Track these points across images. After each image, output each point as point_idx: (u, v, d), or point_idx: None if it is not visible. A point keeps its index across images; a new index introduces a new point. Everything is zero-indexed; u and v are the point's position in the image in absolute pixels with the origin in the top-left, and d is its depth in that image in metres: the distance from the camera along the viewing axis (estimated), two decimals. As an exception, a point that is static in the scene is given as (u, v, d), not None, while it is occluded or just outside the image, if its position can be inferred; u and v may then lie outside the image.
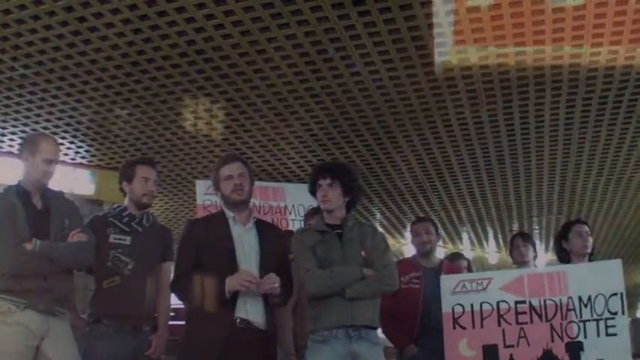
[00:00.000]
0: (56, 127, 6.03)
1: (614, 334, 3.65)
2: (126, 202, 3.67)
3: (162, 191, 7.86)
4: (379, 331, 3.35)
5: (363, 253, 3.24)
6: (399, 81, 5.13)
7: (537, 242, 9.76)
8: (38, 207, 3.27)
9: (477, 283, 3.91)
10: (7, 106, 5.63)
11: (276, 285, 3.08)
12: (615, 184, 7.94)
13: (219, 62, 4.81)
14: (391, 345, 4.38)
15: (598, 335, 3.67)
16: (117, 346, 3.36)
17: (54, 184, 3.41)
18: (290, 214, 5.52)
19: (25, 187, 3.28)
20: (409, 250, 8.68)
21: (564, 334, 3.72)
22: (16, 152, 6.08)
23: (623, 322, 3.68)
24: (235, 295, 3.07)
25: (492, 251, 11.38)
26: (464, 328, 3.85)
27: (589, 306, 3.71)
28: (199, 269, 3.13)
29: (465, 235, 10.39)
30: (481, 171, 7.30)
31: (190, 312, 3.22)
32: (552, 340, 3.73)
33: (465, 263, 5.49)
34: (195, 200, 5.65)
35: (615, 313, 3.66)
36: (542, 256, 10.30)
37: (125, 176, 3.68)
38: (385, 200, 8.42)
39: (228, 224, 3.25)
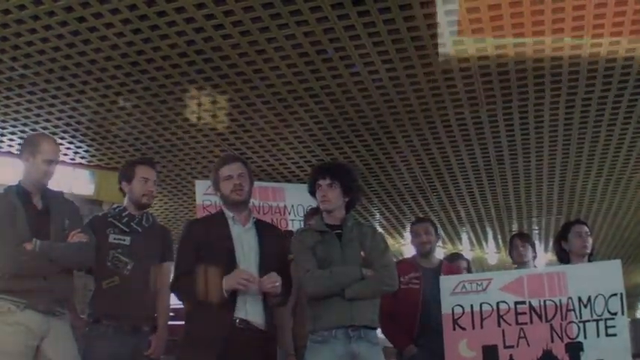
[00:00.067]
0: (55, 127, 6.02)
1: (614, 335, 3.66)
2: (125, 202, 3.67)
3: (161, 191, 7.86)
4: (379, 331, 3.35)
5: (362, 253, 3.24)
6: (399, 81, 5.13)
7: (537, 242, 9.77)
8: (38, 207, 3.27)
9: (477, 284, 3.91)
10: (6, 106, 5.62)
11: (278, 284, 3.08)
12: (615, 185, 7.94)
13: (219, 62, 4.81)
14: (390, 345, 4.38)
15: (598, 336, 3.67)
16: (116, 347, 3.36)
17: (53, 184, 3.42)
18: (289, 214, 5.53)
19: (25, 187, 3.28)
20: (409, 250, 8.70)
21: (564, 334, 3.72)
22: (15, 152, 6.11)
23: (622, 323, 3.69)
24: (235, 295, 3.07)
25: (492, 252, 11.39)
26: (464, 328, 3.85)
27: (589, 306, 3.71)
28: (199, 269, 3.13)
29: (464, 236, 10.39)
30: (480, 171, 7.30)
31: (190, 312, 3.22)
32: (552, 341, 3.73)
33: (464, 264, 5.49)
34: (194, 200, 5.66)
35: (615, 314, 3.67)
36: (542, 257, 10.31)
37: (125, 176, 3.68)
38: (385, 200, 8.42)
39: (228, 224, 3.25)
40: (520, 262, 4.90)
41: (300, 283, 3.28)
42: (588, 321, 3.70)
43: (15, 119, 5.89)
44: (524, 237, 5.14)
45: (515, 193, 8.11)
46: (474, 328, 3.84)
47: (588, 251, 4.29)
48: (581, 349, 3.68)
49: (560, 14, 4.20)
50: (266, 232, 3.34)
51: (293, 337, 3.96)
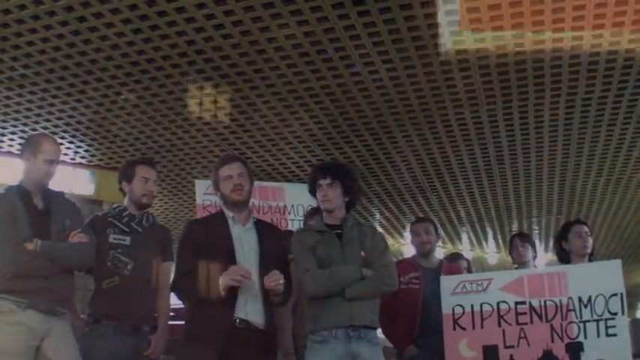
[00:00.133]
0: (56, 126, 6.02)
1: (615, 335, 3.66)
2: (125, 202, 3.67)
3: (161, 191, 7.86)
4: (379, 331, 3.35)
5: (362, 253, 3.24)
6: (399, 81, 5.13)
7: (537, 242, 9.76)
8: (39, 207, 3.27)
9: (477, 284, 3.91)
10: (7, 105, 5.62)
11: (282, 282, 3.08)
12: (615, 185, 7.94)
13: (219, 62, 4.81)
14: (390, 345, 4.38)
15: (598, 336, 3.67)
16: (116, 346, 3.36)
17: (53, 184, 3.42)
18: (289, 214, 5.53)
19: (26, 187, 3.28)
20: (409, 250, 8.68)
21: (564, 334, 3.72)
22: (16, 152, 6.10)
23: (623, 323, 3.69)
24: (235, 295, 3.07)
25: (492, 252, 11.38)
26: (464, 328, 3.85)
27: (589, 306, 3.71)
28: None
29: (464, 236, 10.38)
30: (480, 171, 7.30)
31: (190, 312, 3.22)
32: (552, 341, 3.73)
33: (464, 264, 5.49)
34: (194, 200, 5.66)
35: (615, 314, 3.67)
36: (542, 257, 10.30)
37: (125, 176, 3.68)
38: (385, 200, 8.42)
39: (228, 224, 3.25)
40: (520, 262, 4.90)
41: (300, 283, 3.28)
42: (588, 321, 3.70)
43: (15, 119, 5.89)
44: (524, 237, 5.13)
45: (515, 193, 8.11)
46: (474, 328, 3.84)
47: (588, 251, 4.29)
48: (582, 349, 3.68)
49: (560, 14, 4.20)
50: (266, 232, 3.34)
51: (293, 337, 3.96)
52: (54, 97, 5.44)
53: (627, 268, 11.95)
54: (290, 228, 5.26)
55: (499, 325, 3.82)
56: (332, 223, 3.32)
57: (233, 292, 3.06)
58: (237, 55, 4.71)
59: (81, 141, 6.40)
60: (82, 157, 6.84)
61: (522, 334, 3.78)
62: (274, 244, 3.31)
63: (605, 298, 3.69)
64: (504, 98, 5.46)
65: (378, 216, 9.17)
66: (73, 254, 3.22)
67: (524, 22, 4.26)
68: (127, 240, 3.52)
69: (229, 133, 6.23)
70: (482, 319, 3.84)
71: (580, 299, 3.74)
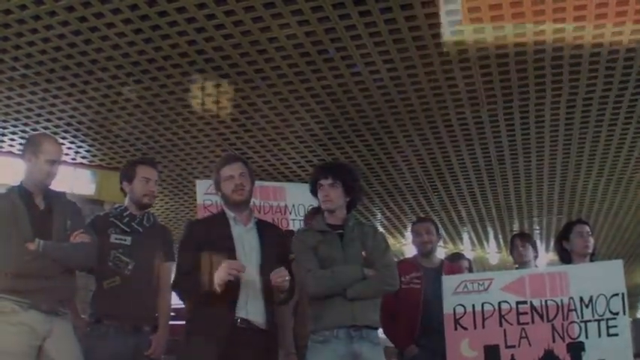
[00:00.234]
0: (57, 127, 6.03)
1: (616, 335, 3.65)
2: (126, 202, 3.67)
3: (162, 191, 7.86)
4: (380, 331, 3.35)
5: (363, 253, 3.24)
6: (400, 81, 5.13)
7: (538, 242, 9.75)
8: (41, 207, 3.27)
9: (479, 284, 3.91)
10: (8, 106, 5.63)
11: (288, 278, 3.07)
12: (616, 185, 7.94)
13: (220, 62, 4.81)
14: (392, 345, 4.38)
15: (599, 335, 3.67)
16: (117, 346, 3.36)
17: (54, 184, 3.41)
18: (290, 213, 5.52)
19: (27, 187, 3.28)
20: (410, 250, 8.67)
21: (565, 334, 3.72)
22: (16, 152, 6.11)
23: (624, 323, 3.68)
24: (236, 294, 3.07)
25: (493, 251, 11.37)
26: (465, 328, 3.85)
27: (590, 306, 3.71)
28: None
29: (465, 236, 10.38)
30: (482, 171, 7.30)
31: (191, 312, 3.21)
32: (554, 341, 3.73)
33: (465, 263, 5.49)
34: (195, 200, 5.66)
35: (616, 314, 3.66)
36: (543, 256, 10.29)
37: (126, 176, 3.68)
38: (386, 200, 8.42)
39: (229, 224, 3.25)
40: (521, 262, 4.89)
41: (302, 282, 3.28)
42: (590, 321, 3.70)
43: (16, 119, 5.90)
44: (525, 237, 5.13)
45: (516, 192, 8.11)
46: (475, 327, 3.84)
47: (590, 251, 4.28)
48: (583, 349, 3.68)
49: (561, 14, 4.20)
50: (267, 232, 3.34)
51: (294, 336, 3.96)
52: (55, 97, 5.44)
53: (628, 268, 11.94)
54: (291, 228, 5.25)
55: (500, 324, 3.81)
56: (333, 223, 3.32)
57: (234, 291, 3.06)
58: (238, 55, 4.71)
59: (82, 141, 6.41)
60: (83, 157, 6.85)
61: (523, 334, 3.77)
62: (275, 244, 3.30)
63: (606, 298, 3.69)
64: (505, 98, 5.46)
65: (379, 216, 9.17)
66: (75, 254, 3.22)
67: (525, 21, 4.26)
68: (128, 240, 3.52)
69: (230, 133, 6.23)
70: (484, 319, 3.84)
71: (581, 299, 3.73)
